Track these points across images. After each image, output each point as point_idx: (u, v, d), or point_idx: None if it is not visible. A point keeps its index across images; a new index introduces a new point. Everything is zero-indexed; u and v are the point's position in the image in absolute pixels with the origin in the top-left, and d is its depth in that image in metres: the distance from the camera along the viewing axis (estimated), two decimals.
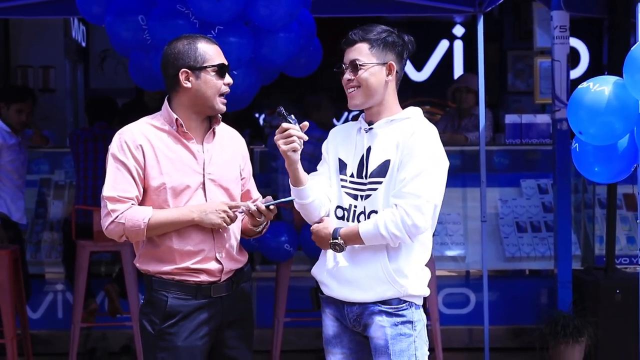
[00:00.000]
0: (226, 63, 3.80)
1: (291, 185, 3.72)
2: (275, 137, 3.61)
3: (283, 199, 3.76)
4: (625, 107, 4.22)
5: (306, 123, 3.65)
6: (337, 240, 3.65)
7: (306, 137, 3.64)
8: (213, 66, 3.74)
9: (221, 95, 3.77)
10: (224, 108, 3.79)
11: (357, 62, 3.66)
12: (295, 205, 3.77)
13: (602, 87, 4.29)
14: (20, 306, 6.65)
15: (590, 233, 7.71)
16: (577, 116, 4.34)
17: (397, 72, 3.72)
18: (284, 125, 3.59)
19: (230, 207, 3.71)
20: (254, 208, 3.72)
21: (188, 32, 4.22)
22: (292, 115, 3.63)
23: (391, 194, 3.61)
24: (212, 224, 3.69)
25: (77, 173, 7.13)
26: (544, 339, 6.89)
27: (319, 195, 3.73)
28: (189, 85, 3.74)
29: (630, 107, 4.24)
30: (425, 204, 3.56)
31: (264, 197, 3.87)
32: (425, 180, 3.57)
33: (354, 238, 3.63)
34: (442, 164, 3.69)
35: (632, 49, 4.22)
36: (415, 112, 3.75)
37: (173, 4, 5.35)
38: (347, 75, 3.69)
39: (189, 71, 3.73)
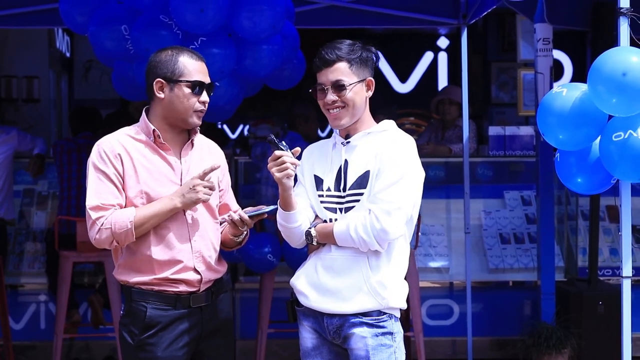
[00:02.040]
0: (206, 82, 3.76)
1: (280, 210, 3.71)
2: (268, 165, 3.62)
3: (266, 209, 3.76)
4: (591, 113, 4.28)
5: (298, 148, 3.67)
6: (310, 230, 3.69)
7: (299, 163, 3.66)
8: (188, 82, 3.72)
9: (195, 112, 3.75)
10: (197, 122, 3.77)
11: (342, 82, 3.66)
12: (280, 228, 3.77)
13: (571, 94, 4.32)
14: (3, 317, 6.61)
15: (573, 245, 7.73)
16: (546, 122, 4.38)
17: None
18: (277, 152, 3.60)
19: (201, 178, 3.67)
20: (237, 218, 3.73)
21: (171, 43, 4.22)
22: (284, 142, 3.64)
23: (367, 199, 3.63)
24: (195, 201, 3.66)
25: (60, 183, 7.10)
26: (527, 350, 6.90)
27: (303, 219, 3.74)
28: (161, 95, 3.73)
29: (598, 114, 4.28)
30: (396, 210, 3.58)
31: (243, 209, 3.87)
32: (399, 188, 3.59)
33: (328, 235, 3.66)
34: (418, 175, 3.70)
35: (594, 61, 4.25)
36: (391, 125, 3.78)
37: (156, 15, 5.35)
38: (331, 97, 3.68)
39: (163, 82, 3.72)
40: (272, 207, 3.74)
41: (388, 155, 3.63)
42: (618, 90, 4.14)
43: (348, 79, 3.67)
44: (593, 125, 4.33)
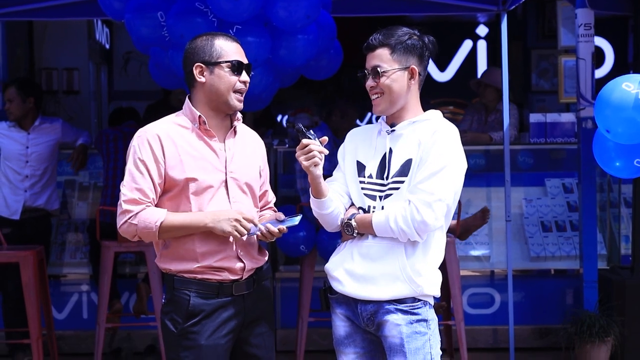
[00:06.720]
0: (244, 61, 3.78)
1: (312, 197, 3.72)
2: (296, 154, 3.62)
3: (291, 220, 3.74)
4: None
5: (325, 137, 3.65)
6: (350, 221, 3.67)
7: (327, 151, 3.64)
8: (227, 62, 3.73)
9: (236, 92, 3.75)
10: (239, 105, 3.78)
11: (379, 68, 3.65)
12: (315, 214, 3.77)
13: (630, 85, 4.23)
14: (46, 306, 6.67)
15: (615, 232, 7.66)
16: (604, 114, 4.28)
17: (419, 74, 3.70)
18: (304, 141, 3.59)
19: (245, 218, 3.67)
20: (264, 230, 3.72)
21: (206, 30, 4.22)
22: (312, 130, 3.63)
23: (407, 189, 3.60)
24: (223, 232, 3.66)
25: (105, 172, 7.11)
26: (569, 338, 6.85)
27: (337, 204, 3.73)
28: (202, 79, 3.75)
29: None
30: (437, 202, 3.54)
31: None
32: (441, 178, 3.56)
33: (367, 226, 3.64)
34: (461, 165, 3.66)
35: None
36: (435, 114, 3.75)
37: (192, 2, 5.35)
38: (370, 82, 3.68)
39: (203, 66, 3.74)
40: (294, 220, 3.73)
41: (430, 144, 3.60)
42: None
43: (387, 65, 3.64)
44: None
